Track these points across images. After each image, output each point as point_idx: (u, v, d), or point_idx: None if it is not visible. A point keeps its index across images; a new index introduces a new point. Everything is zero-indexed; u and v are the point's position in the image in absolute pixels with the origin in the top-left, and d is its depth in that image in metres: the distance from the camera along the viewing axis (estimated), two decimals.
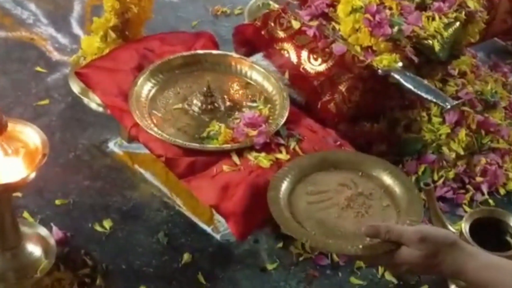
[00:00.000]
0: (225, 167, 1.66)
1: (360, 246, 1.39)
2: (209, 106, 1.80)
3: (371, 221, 1.45)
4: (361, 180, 1.58)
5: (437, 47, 1.89)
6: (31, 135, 1.54)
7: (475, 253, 1.34)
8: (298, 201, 1.52)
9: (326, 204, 1.52)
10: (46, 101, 2.07)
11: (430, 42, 1.89)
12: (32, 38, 2.29)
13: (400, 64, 1.83)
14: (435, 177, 1.91)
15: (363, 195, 1.54)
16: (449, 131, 1.94)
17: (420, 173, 1.91)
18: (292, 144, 1.72)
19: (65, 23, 2.36)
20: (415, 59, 1.86)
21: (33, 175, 1.50)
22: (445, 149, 1.93)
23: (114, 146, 1.96)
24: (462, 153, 1.93)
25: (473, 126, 1.96)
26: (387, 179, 1.57)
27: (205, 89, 1.80)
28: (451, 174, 1.91)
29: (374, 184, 1.57)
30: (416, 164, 1.92)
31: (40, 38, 2.30)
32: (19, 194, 1.77)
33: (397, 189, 1.55)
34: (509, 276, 1.29)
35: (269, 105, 1.82)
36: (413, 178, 1.88)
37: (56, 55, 2.24)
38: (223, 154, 1.69)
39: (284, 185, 1.54)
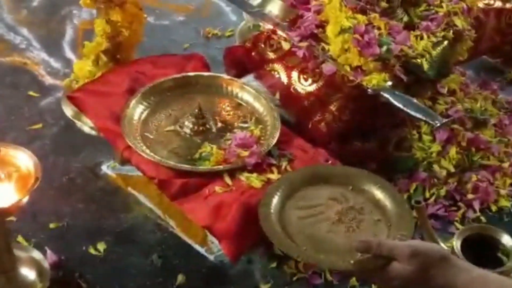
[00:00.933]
0: (217, 188, 1.67)
1: (351, 261, 1.39)
2: (200, 128, 1.81)
3: (362, 236, 1.45)
4: (352, 195, 1.57)
5: (426, 66, 1.90)
6: (24, 160, 1.55)
7: (466, 267, 1.34)
8: (289, 216, 1.52)
9: (317, 218, 1.52)
10: (39, 125, 2.08)
11: (419, 61, 1.90)
12: (25, 63, 2.31)
13: (390, 83, 1.84)
14: (427, 195, 1.92)
15: (354, 209, 1.54)
16: (439, 148, 1.95)
17: (411, 191, 1.91)
18: (284, 164, 1.73)
19: (58, 47, 2.37)
20: (404, 78, 1.87)
21: (26, 199, 1.51)
22: (436, 166, 1.94)
23: (107, 169, 1.96)
24: (453, 170, 1.94)
25: (464, 144, 1.97)
26: (378, 193, 1.57)
27: (196, 110, 1.81)
28: (442, 192, 1.92)
29: (364, 198, 1.57)
30: (408, 182, 1.92)
31: (33, 62, 2.31)
32: (13, 218, 1.77)
33: (387, 203, 1.55)
34: None
35: (260, 126, 1.83)
36: (405, 196, 1.88)
37: (48, 79, 2.25)
38: (215, 175, 1.70)
39: (275, 201, 1.54)
